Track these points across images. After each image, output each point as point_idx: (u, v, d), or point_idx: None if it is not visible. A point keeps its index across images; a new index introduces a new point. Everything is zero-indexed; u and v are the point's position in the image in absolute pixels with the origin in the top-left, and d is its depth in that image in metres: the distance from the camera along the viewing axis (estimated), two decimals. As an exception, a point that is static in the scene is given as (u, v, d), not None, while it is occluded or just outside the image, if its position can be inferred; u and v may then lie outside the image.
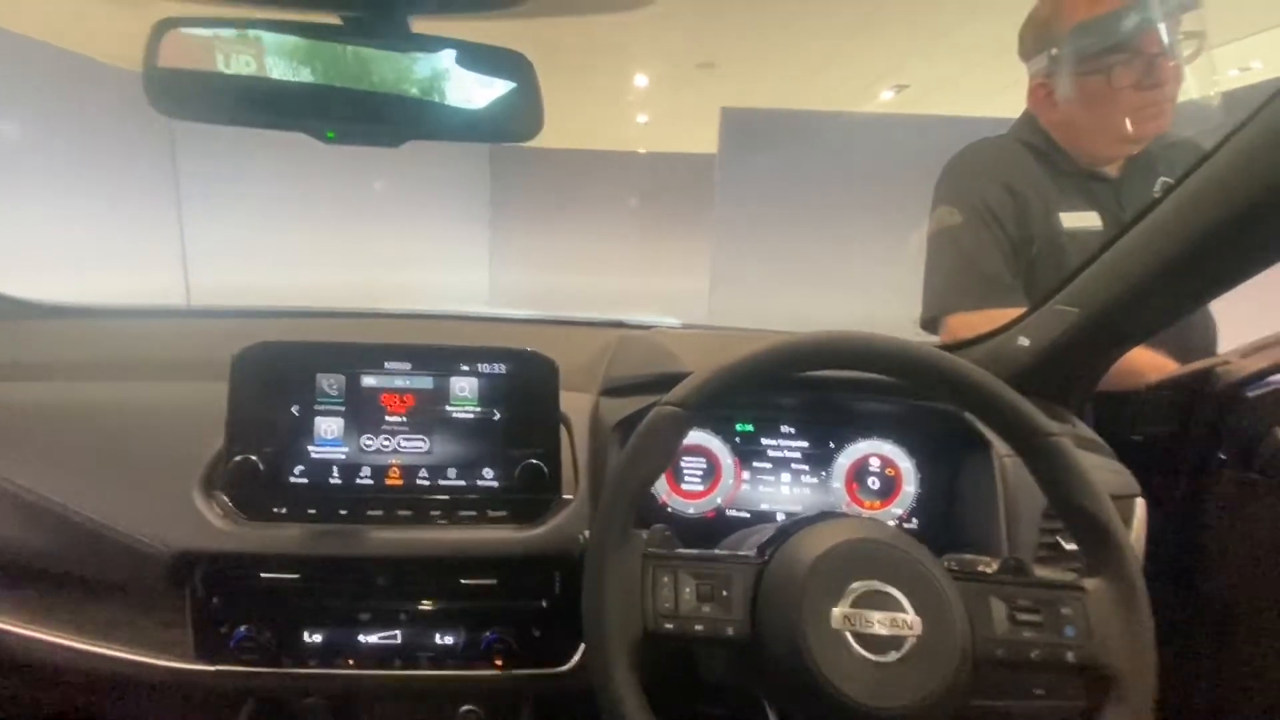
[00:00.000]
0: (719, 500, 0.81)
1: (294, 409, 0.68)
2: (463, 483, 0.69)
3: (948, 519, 0.81)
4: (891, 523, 0.81)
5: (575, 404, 0.78)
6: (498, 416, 0.70)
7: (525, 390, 0.70)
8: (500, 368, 0.70)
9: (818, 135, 3.66)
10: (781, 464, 0.82)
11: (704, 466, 0.81)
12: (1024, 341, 0.86)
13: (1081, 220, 1.11)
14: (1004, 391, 0.53)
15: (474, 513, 0.68)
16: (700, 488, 0.81)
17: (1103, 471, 0.73)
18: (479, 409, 0.69)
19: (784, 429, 0.82)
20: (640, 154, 6.01)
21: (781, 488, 0.82)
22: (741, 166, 3.70)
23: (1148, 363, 0.93)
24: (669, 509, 0.81)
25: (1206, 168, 0.65)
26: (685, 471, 0.81)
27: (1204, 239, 0.65)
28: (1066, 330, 0.78)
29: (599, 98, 6.10)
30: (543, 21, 4.08)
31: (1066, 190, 1.12)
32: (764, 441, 0.82)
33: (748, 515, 0.82)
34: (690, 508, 0.81)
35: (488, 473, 0.70)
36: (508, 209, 5.76)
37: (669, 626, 0.49)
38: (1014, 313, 0.93)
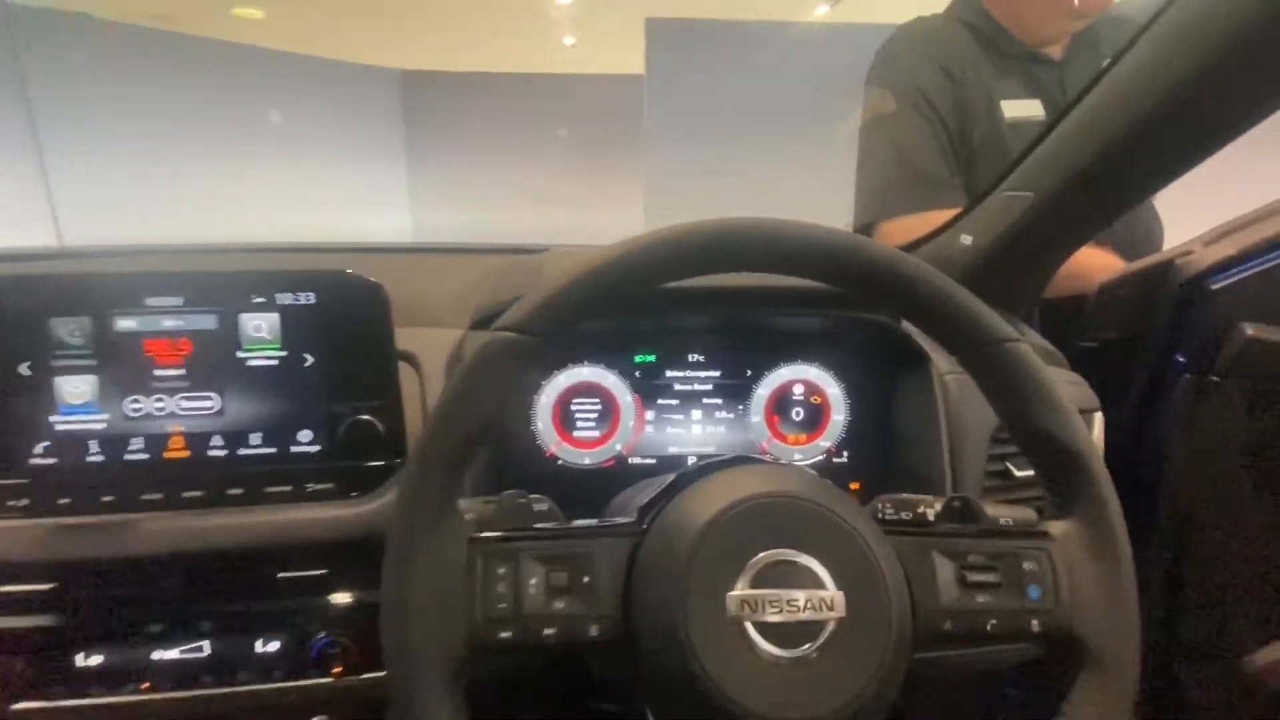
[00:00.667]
0: (619, 447, 0.68)
1: (23, 368, 0.50)
2: (271, 449, 0.53)
3: (883, 450, 0.69)
4: (819, 457, 0.69)
5: (438, 341, 0.62)
6: (310, 361, 0.53)
7: (345, 325, 0.53)
8: (308, 298, 0.52)
9: (751, 47, 3.43)
10: (691, 399, 0.68)
11: (599, 408, 0.67)
12: (966, 240, 0.74)
13: (1024, 109, 1.00)
14: (948, 288, 0.40)
15: (288, 487, 0.53)
16: (595, 433, 0.67)
17: (1060, 385, 0.62)
18: (283, 353, 0.53)
19: (692, 358, 0.68)
20: (569, 76, 5.62)
21: (692, 426, 0.69)
22: (671, 83, 3.46)
23: (1096, 263, 0.83)
24: (560, 461, 0.67)
25: (1174, 10, 0.52)
26: (577, 415, 0.67)
27: (1175, 95, 0.52)
28: (1018, 220, 0.65)
29: (519, 17, 5.66)
30: None
31: (1007, 75, 1.00)
32: (669, 374, 0.68)
33: (654, 462, 0.68)
34: (585, 458, 0.67)
35: (303, 435, 0.53)
36: (426, 141, 5.33)
37: (505, 635, 0.35)
38: (955, 214, 0.81)
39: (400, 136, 5.32)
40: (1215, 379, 0.70)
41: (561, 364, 0.66)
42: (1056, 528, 0.40)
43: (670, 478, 0.42)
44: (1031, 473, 0.59)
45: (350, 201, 4.96)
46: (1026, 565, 0.39)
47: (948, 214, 0.85)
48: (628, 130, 4.64)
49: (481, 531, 0.37)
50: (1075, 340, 0.81)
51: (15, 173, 3.31)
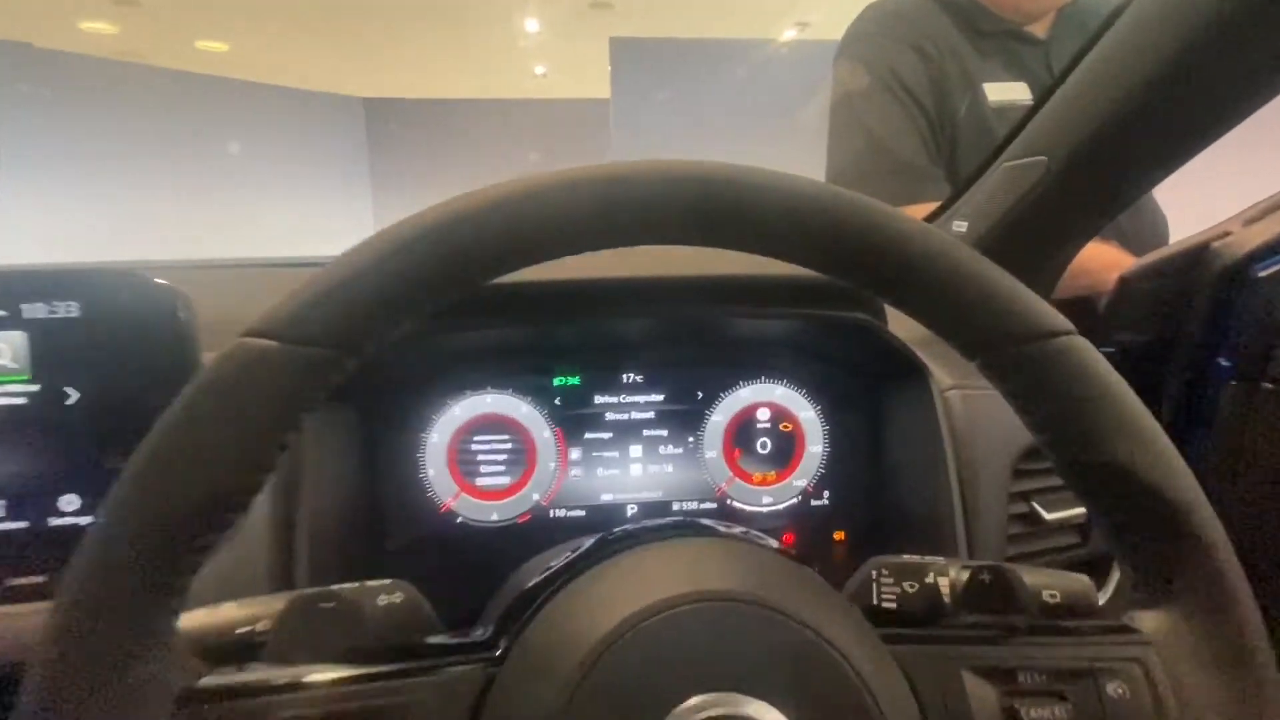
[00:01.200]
0: (536, 497, 0.53)
1: None
2: (18, 524, 0.37)
3: (873, 489, 0.55)
4: (794, 499, 0.55)
5: None
6: (73, 398, 0.38)
7: (126, 348, 0.38)
8: (68, 309, 0.37)
9: (718, 66, 3.39)
10: (627, 431, 0.54)
11: (508, 446, 0.52)
12: (959, 226, 0.61)
13: (1008, 92, 0.90)
14: (971, 262, 0.26)
15: (41, 578, 0.37)
16: (504, 480, 0.52)
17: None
18: (34, 387, 0.37)
19: (627, 377, 0.54)
20: (537, 101, 5.56)
21: (631, 467, 0.54)
22: (637, 102, 3.40)
23: (1104, 259, 0.70)
24: (459, 519, 0.52)
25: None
26: (480, 458, 0.52)
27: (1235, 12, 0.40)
28: (1028, 192, 0.52)
29: (489, 48, 5.63)
30: None
31: (988, 55, 0.90)
32: (599, 400, 0.53)
33: (582, 514, 0.53)
34: (493, 513, 0.52)
35: (67, 501, 0.38)
36: (390, 169, 5.22)
37: None
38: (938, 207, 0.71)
39: (365, 164, 5.19)
40: (1268, 385, 0.57)
41: (457, 390, 0.51)
42: (1151, 621, 0.26)
43: (554, 560, 0.27)
44: (1065, 516, 0.48)
45: (315, 230, 4.81)
46: (1112, 688, 0.24)
47: (929, 208, 0.75)
48: (597, 153, 4.58)
49: (209, 677, 0.22)
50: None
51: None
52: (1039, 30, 0.91)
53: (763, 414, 0.55)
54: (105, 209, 3.69)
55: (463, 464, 0.52)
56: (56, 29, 4.62)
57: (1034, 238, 0.56)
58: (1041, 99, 0.54)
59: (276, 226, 4.49)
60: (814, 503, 0.55)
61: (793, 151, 3.43)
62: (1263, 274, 0.57)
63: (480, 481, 0.52)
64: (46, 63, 3.45)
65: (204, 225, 4.09)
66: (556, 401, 0.53)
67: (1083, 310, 0.70)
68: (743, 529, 0.29)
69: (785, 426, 0.55)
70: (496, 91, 6.10)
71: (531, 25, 5.28)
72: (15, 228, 3.31)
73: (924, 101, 0.86)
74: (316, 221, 4.79)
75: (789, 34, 5.51)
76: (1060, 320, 0.26)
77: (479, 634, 0.25)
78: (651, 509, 0.53)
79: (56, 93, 3.50)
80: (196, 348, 0.40)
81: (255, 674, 0.23)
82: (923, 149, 0.86)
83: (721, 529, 0.29)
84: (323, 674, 0.23)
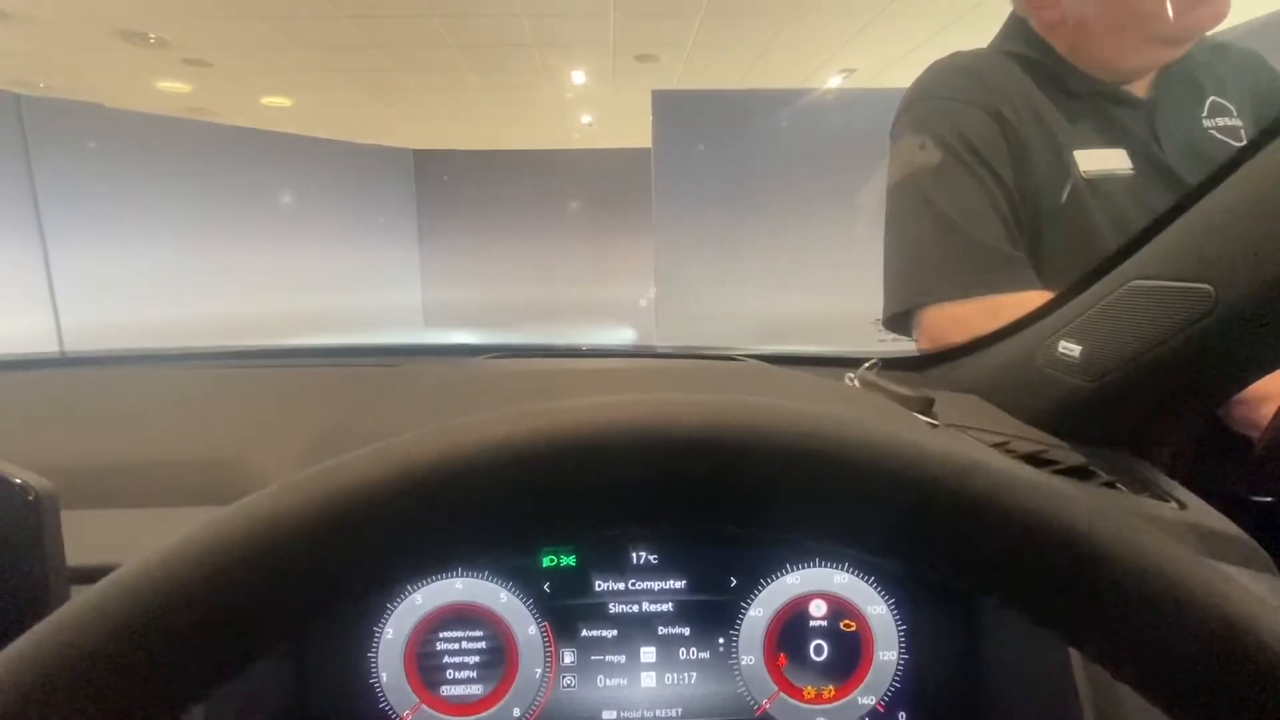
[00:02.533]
0: (516, 712, 0.40)
1: None
2: None
3: (966, 707, 0.40)
4: (860, 726, 0.41)
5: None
6: None
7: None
8: None
9: (759, 116, 3.31)
10: (638, 627, 0.41)
11: (482, 645, 0.40)
12: (1068, 350, 0.47)
13: (1104, 161, 0.76)
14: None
15: None
16: (478, 689, 0.40)
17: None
18: None
19: (638, 557, 0.41)
20: (580, 150, 5.60)
21: (641, 675, 0.41)
22: (679, 154, 3.33)
23: (1265, 386, 0.55)
24: (418, 741, 0.40)
25: None
26: (447, 659, 0.40)
27: None
28: (1184, 327, 0.38)
29: (536, 100, 5.73)
30: (461, 17, 3.73)
31: (1077, 118, 0.76)
32: (600, 585, 0.41)
33: (576, 735, 0.40)
34: (461, 731, 0.40)
35: None
36: (435, 219, 5.31)
37: None
38: (1026, 300, 0.62)
39: (413, 213, 5.29)
40: None
41: (421, 573, 0.40)
42: None
43: None
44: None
45: (366, 280, 4.91)
46: None
47: (1014, 299, 0.66)
48: (639, 200, 4.55)
49: None
50: (1224, 489, 0.53)
51: (17, 257, 3.25)
52: (1139, 90, 0.78)
53: (817, 608, 0.41)
54: (169, 260, 3.83)
55: (424, 668, 0.40)
56: (132, 89, 4.91)
57: (1186, 380, 0.42)
58: (1183, 203, 0.40)
59: (330, 275, 4.58)
60: (887, 728, 0.41)
61: (837, 202, 3.30)
62: None
63: (446, 690, 0.40)
64: (117, 121, 3.63)
65: (261, 273, 4.21)
66: (545, 588, 0.40)
67: (1227, 445, 0.55)
68: None
69: (847, 626, 0.41)
70: (543, 142, 6.19)
71: (578, 78, 5.37)
72: (82, 278, 3.44)
73: (1003, 174, 0.73)
74: (370, 269, 4.89)
75: (834, 81, 5.45)
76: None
77: None
78: None
79: (125, 149, 3.66)
80: (58, 553, 0.30)
81: None
82: (1004, 231, 0.72)
83: None
84: None
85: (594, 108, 6.22)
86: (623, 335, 5.07)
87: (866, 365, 0.63)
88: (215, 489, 0.41)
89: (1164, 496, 0.43)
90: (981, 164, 0.73)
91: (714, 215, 3.37)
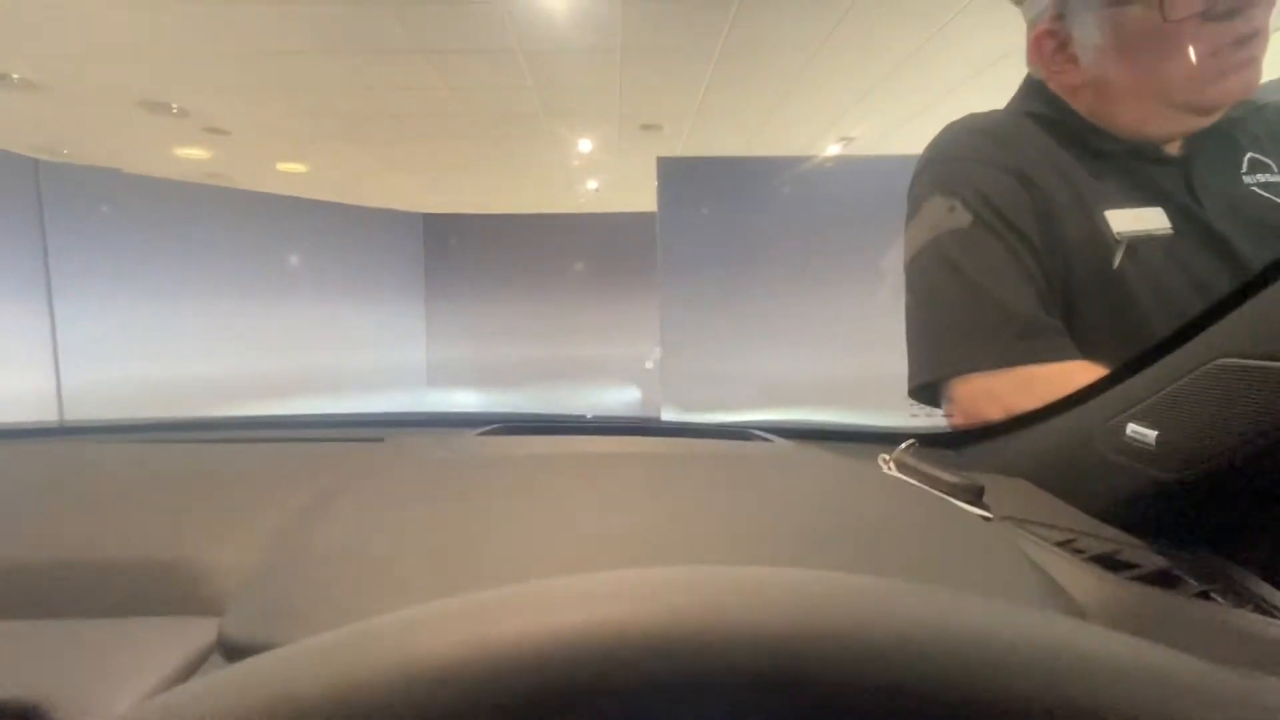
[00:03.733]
0: None
1: None
2: None
3: None
4: None
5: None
6: None
7: None
8: None
9: (761, 181, 3.36)
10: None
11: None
12: (1141, 434, 0.41)
13: (1141, 221, 0.71)
14: None
15: None
16: None
17: None
18: None
19: None
20: (585, 214, 5.71)
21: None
22: (683, 218, 3.37)
23: None
24: None
25: None
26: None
27: None
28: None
29: (545, 165, 5.88)
30: (471, 88, 3.89)
31: (1106, 176, 0.72)
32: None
33: None
34: None
35: None
36: (441, 279, 5.37)
37: None
38: (1066, 371, 0.61)
39: (420, 276, 5.36)
40: None
41: None
42: None
43: None
44: None
45: (373, 339, 4.92)
46: None
47: (1052, 370, 0.62)
48: (645, 265, 4.58)
49: None
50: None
51: (23, 321, 3.26)
52: (1171, 147, 0.74)
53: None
54: (179, 320, 3.85)
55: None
56: (152, 156, 5.06)
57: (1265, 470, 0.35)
58: (1271, 272, 0.35)
59: (338, 333, 4.61)
60: None
61: (839, 264, 3.31)
62: None
63: None
64: (134, 188, 3.71)
65: (268, 332, 4.22)
66: None
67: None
68: None
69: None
70: (550, 206, 6.33)
71: (585, 146, 5.52)
72: (96, 341, 3.44)
73: (1030, 235, 0.69)
74: (380, 329, 4.92)
75: (833, 149, 5.59)
76: None
77: None
78: None
79: (140, 214, 3.73)
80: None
81: None
82: (1032, 293, 0.67)
83: None
84: None
85: (600, 174, 6.39)
86: (629, 396, 5.01)
87: (903, 446, 0.58)
88: (156, 596, 0.37)
89: (1272, 611, 0.36)
90: (1006, 226, 0.69)
91: (717, 277, 3.38)
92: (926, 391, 0.75)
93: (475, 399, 5.21)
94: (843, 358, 3.24)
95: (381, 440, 0.69)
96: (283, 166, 5.71)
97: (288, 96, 4.18)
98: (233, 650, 0.28)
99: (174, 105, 4.25)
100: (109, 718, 0.28)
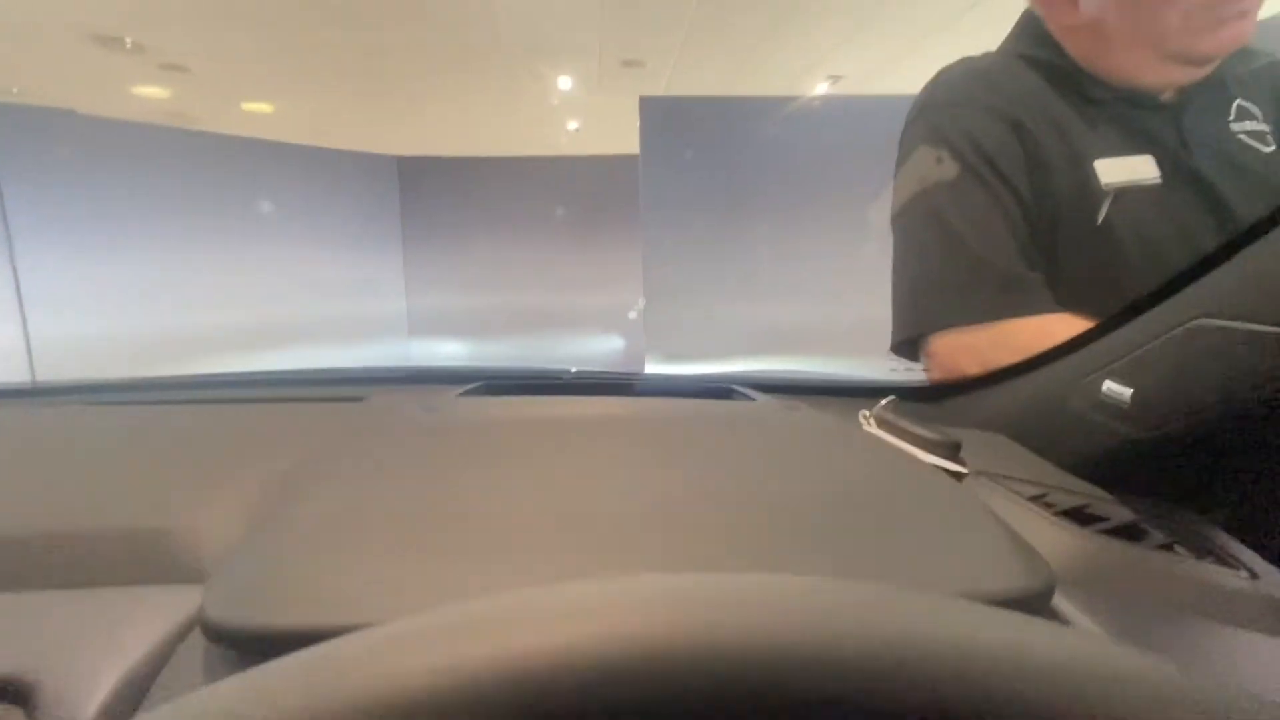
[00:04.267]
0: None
1: None
2: None
3: None
4: None
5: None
6: None
7: None
8: None
9: (748, 122, 3.29)
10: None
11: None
12: (1117, 392, 0.41)
13: (1129, 170, 0.69)
14: None
15: None
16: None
17: None
18: None
19: None
20: (566, 158, 5.56)
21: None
22: (667, 161, 3.30)
23: None
24: None
25: None
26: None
27: None
28: (1269, 374, 0.32)
29: (523, 104, 5.68)
30: (446, 23, 3.69)
31: (1098, 124, 0.71)
32: None
33: None
34: None
35: None
36: (419, 226, 5.24)
37: None
38: (1044, 325, 0.61)
39: (397, 222, 5.23)
40: None
41: None
42: None
43: None
44: None
45: (350, 288, 4.83)
46: None
47: (1031, 324, 0.63)
48: (628, 210, 4.51)
49: None
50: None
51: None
52: (1164, 96, 0.72)
53: None
54: (144, 270, 3.73)
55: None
56: (108, 95, 4.80)
57: (1263, 435, 0.35)
58: (1258, 227, 0.34)
59: (313, 281, 4.51)
60: None
61: (825, 208, 3.28)
62: None
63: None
64: (89, 129, 3.53)
65: (242, 283, 4.13)
66: None
67: None
68: None
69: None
70: (529, 148, 6.14)
71: (565, 84, 5.32)
72: (53, 292, 3.33)
73: (1020, 187, 0.69)
74: (355, 277, 4.81)
75: (821, 88, 5.43)
76: None
77: None
78: None
79: (98, 157, 3.56)
80: None
81: None
82: (1016, 246, 0.68)
83: None
84: None
85: (581, 114, 6.18)
86: (613, 345, 5.02)
87: (882, 403, 0.59)
88: (135, 565, 0.36)
89: (1232, 563, 0.37)
90: (996, 176, 0.68)
91: (702, 223, 3.33)
92: (908, 346, 0.75)
93: (457, 349, 5.17)
94: (830, 307, 3.25)
95: (362, 400, 0.68)
96: (248, 107, 5.45)
97: (250, 30, 3.95)
98: (213, 632, 0.28)
99: (127, 40, 4.00)
100: (92, 690, 0.28)
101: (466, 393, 0.69)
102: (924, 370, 0.75)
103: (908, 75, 5.10)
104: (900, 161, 0.77)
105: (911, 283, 0.74)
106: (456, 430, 0.51)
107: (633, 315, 3.75)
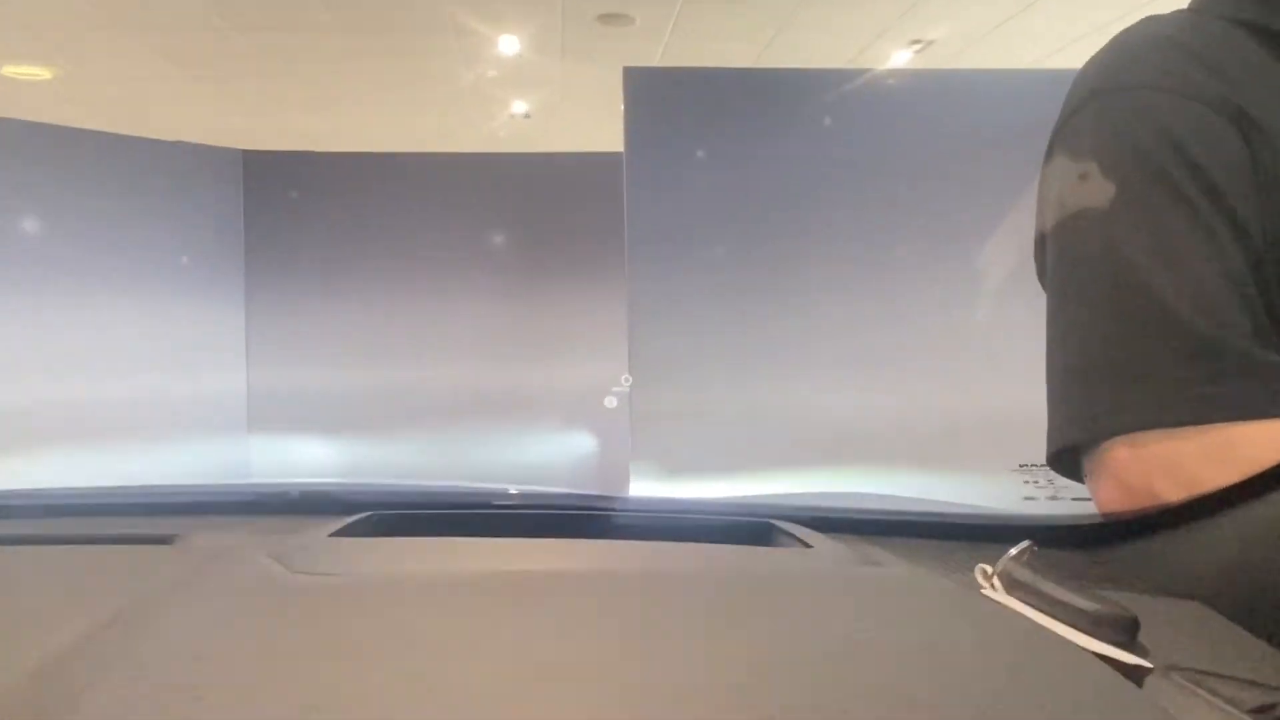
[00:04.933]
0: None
1: None
2: None
3: None
4: None
5: None
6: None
7: None
8: None
9: (785, 108, 3.37)
10: None
11: None
12: None
13: None
14: None
15: None
16: None
17: None
18: None
19: None
20: (508, 156, 5.72)
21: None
22: (665, 165, 3.36)
23: None
24: None
25: None
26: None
27: None
28: None
29: (445, 77, 5.87)
30: None
31: None
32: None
33: None
34: None
35: None
36: (274, 259, 5.28)
37: None
38: None
39: (238, 252, 5.27)
40: None
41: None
42: None
43: None
44: None
45: (158, 356, 4.81)
46: None
47: (1264, 429, 0.65)
48: (605, 239, 4.59)
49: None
50: None
51: None
52: None
53: None
54: None
55: None
56: None
57: None
58: None
59: (99, 346, 4.50)
60: None
61: (905, 241, 3.34)
62: None
63: None
64: None
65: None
66: None
67: None
68: None
69: None
70: (452, 142, 6.30)
71: (509, 46, 5.54)
72: None
73: (1244, 214, 0.70)
74: (160, 338, 4.81)
75: (899, 59, 5.70)
76: None
77: None
78: None
79: None
80: None
81: None
82: (1246, 314, 0.69)
83: None
84: None
85: (533, 92, 6.41)
86: (578, 449, 4.99)
87: (1013, 552, 0.59)
88: None
89: None
90: (1211, 196, 0.70)
91: (720, 259, 3.37)
92: (1067, 459, 0.77)
93: (327, 455, 5.11)
94: (919, 389, 3.25)
95: (172, 542, 0.69)
96: (11, 71, 5.60)
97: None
98: None
99: None
100: None
101: (341, 531, 0.70)
102: (1091, 494, 0.77)
103: (1017, 44, 5.37)
104: (1050, 175, 0.81)
105: (1078, 361, 0.76)
106: (320, 603, 0.52)
107: (611, 402, 3.72)
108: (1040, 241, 0.82)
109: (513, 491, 0.84)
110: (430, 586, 0.53)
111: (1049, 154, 0.81)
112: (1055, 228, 0.79)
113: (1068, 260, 0.78)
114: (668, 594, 0.53)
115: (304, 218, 5.23)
